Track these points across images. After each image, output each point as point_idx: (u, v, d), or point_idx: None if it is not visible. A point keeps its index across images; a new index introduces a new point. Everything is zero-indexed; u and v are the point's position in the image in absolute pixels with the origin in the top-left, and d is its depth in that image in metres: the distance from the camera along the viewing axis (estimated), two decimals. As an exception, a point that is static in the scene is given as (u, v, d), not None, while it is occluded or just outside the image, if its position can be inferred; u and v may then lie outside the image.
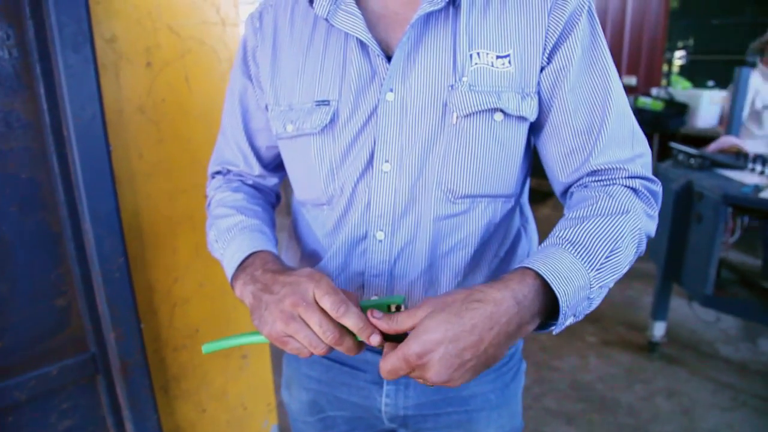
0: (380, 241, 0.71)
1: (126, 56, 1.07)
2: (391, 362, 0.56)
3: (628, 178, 0.68)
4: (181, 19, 1.13)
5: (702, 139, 3.47)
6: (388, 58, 0.67)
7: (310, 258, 0.80)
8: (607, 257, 0.60)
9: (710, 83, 4.35)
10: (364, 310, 0.63)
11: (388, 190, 0.70)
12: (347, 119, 0.69)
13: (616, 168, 0.67)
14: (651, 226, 0.68)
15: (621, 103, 0.68)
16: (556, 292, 0.56)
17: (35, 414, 1.07)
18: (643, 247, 0.67)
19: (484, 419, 0.81)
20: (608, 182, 0.68)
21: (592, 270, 0.59)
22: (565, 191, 0.74)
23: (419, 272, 0.72)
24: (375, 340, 0.59)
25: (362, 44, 0.68)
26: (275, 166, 0.86)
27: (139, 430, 1.15)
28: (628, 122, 0.69)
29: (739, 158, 2.62)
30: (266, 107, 0.77)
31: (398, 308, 0.63)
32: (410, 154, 0.68)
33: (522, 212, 0.80)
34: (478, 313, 0.54)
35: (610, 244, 0.60)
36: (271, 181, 0.87)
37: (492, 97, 0.66)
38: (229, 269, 0.73)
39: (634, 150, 0.69)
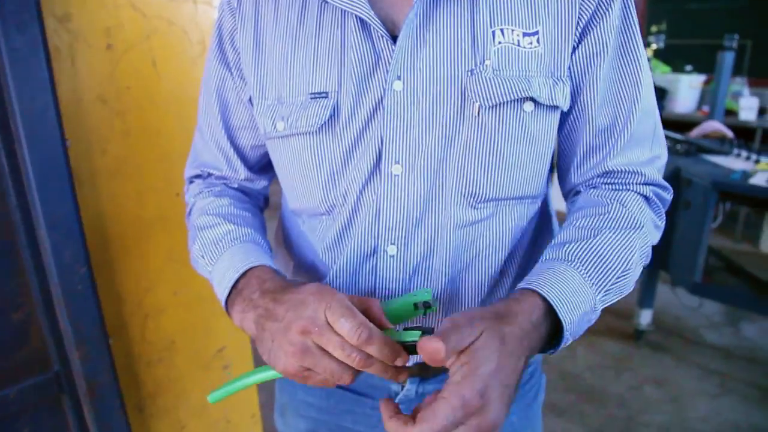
0: (392, 256, 0.62)
1: (83, 37, 0.94)
2: (444, 415, 0.43)
3: (643, 184, 0.63)
4: (146, -5, 1.00)
5: (682, 124, 3.46)
6: (395, 39, 0.57)
7: (307, 273, 0.70)
8: (617, 279, 0.57)
9: (688, 68, 4.35)
10: (389, 315, 0.54)
11: (399, 196, 0.60)
12: (350, 114, 0.59)
13: (633, 172, 0.63)
14: (657, 237, 0.65)
15: (648, 97, 0.63)
16: (563, 321, 0.52)
17: (-8, 441, 0.96)
18: (648, 260, 0.63)
19: None
20: (621, 186, 0.64)
21: (599, 293, 0.56)
22: (572, 188, 0.68)
23: (439, 290, 0.63)
24: (405, 361, 0.51)
25: (363, 23, 0.58)
26: (262, 166, 0.76)
27: (111, 454, 1.05)
28: (651, 120, 0.63)
29: (724, 143, 2.61)
30: (250, 101, 0.66)
31: (426, 305, 0.55)
32: (424, 154, 0.58)
33: (545, 212, 0.72)
34: (513, 337, 0.48)
35: (622, 266, 0.57)
36: (260, 184, 0.77)
37: (522, 83, 0.56)
38: (221, 291, 0.62)
39: (652, 151, 0.64)
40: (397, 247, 0.61)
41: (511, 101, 0.57)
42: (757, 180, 2.10)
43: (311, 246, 0.69)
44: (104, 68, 0.98)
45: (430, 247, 0.62)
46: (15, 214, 0.92)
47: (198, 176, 0.77)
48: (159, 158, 1.08)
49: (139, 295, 1.09)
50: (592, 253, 0.56)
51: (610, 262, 0.56)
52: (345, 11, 0.58)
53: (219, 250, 0.65)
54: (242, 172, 0.74)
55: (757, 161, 2.35)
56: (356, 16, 0.57)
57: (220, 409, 1.29)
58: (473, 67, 0.56)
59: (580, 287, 0.54)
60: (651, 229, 0.62)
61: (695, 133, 2.77)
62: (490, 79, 0.56)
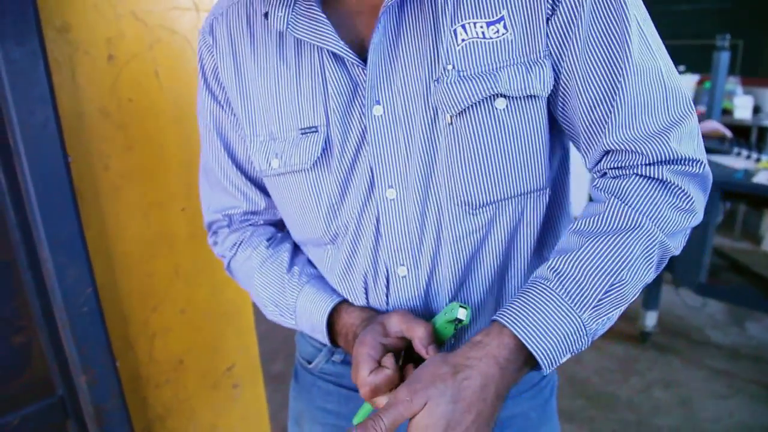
0: (404, 277, 0.62)
1: (83, 48, 0.91)
2: None
3: (650, 164, 0.54)
4: (148, 4, 0.97)
5: (678, 124, 3.46)
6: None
7: None
8: (605, 292, 0.52)
9: (681, 68, 4.38)
10: (438, 334, 0.58)
11: (399, 219, 0.59)
12: (341, 146, 0.58)
13: (633, 151, 0.53)
14: (684, 221, 0.55)
15: (643, 55, 0.53)
16: (533, 352, 0.51)
17: (-5, 472, 0.92)
18: (675, 251, 0.56)
19: None
20: (624, 171, 0.56)
21: (585, 310, 0.52)
22: (593, 177, 0.63)
23: (450, 297, 0.63)
24: None
25: (336, 55, 0.57)
26: None
27: (119, 481, 1.00)
28: (654, 80, 0.53)
29: (724, 143, 2.61)
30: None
31: (457, 321, 0.56)
32: (414, 173, 0.58)
33: (557, 200, 0.67)
34: (471, 390, 0.49)
35: (611, 277, 0.52)
36: (279, 214, 0.75)
37: (486, 81, 0.53)
38: (322, 339, 0.68)
39: (669, 116, 0.53)
40: (407, 268, 0.62)
41: (478, 102, 0.54)
42: (760, 178, 2.10)
43: (321, 273, 0.70)
44: (105, 80, 0.94)
45: (438, 261, 0.61)
46: (15, 233, 0.88)
47: (217, 222, 0.75)
48: (163, 172, 1.04)
49: (146, 315, 1.05)
50: (575, 267, 0.52)
51: (594, 275, 0.51)
52: (320, 48, 0.58)
53: (291, 303, 0.68)
54: (262, 202, 0.72)
55: (758, 160, 2.35)
56: (328, 50, 0.57)
57: (231, 429, 1.25)
58: (439, 75, 0.55)
59: (555, 310, 0.51)
60: (666, 219, 0.53)
61: (694, 132, 2.77)
62: (454, 83, 0.54)
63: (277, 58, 0.60)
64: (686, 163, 0.54)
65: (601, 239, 0.53)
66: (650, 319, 2.54)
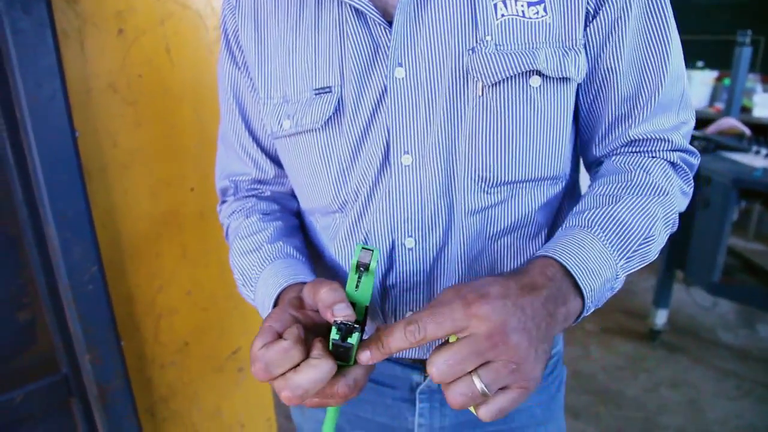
0: (410, 249, 0.60)
1: (92, 21, 0.89)
2: (445, 359, 0.41)
3: (669, 150, 0.60)
4: (160, -23, 0.94)
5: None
6: (392, 24, 0.54)
7: (329, 270, 0.68)
8: (639, 245, 0.54)
9: (699, 64, 4.29)
10: (357, 295, 0.47)
11: (412, 187, 0.58)
12: (354, 107, 0.56)
13: (659, 139, 0.60)
14: (684, 204, 0.62)
15: (678, 60, 0.58)
16: (583, 289, 0.49)
17: (-2, 448, 0.92)
18: (675, 228, 0.60)
19: None
20: (646, 154, 0.61)
21: (621, 259, 0.53)
22: (595, 160, 0.65)
23: (457, 279, 0.61)
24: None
25: (358, 12, 0.55)
26: None
27: (121, 461, 1.00)
28: (680, 84, 0.59)
29: (742, 141, 2.55)
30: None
31: (366, 268, 0.47)
32: (433, 141, 0.56)
33: (571, 193, 0.67)
34: (523, 284, 0.46)
35: (644, 231, 0.54)
36: (290, 184, 0.73)
37: (525, 57, 0.53)
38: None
39: (679, 116, 0.60)
40: (415, 240, 0.59)
41: (514, 76, 0.53)
42: (780, 177, 2.05)
43: (327, 245, 0.67)
44: (115, 54, 0.92)
45: (447, 236, 0.59)
46: (21, 210, 0.87)
47: (227, 189, 0.74)
48: (173, 151, 1.02)
49: (152, 295, 1.03)
50: (612, 218, 0.54)
51: (631, 228, 0.53)
52: (342, 1, 0.56)
53: (254, 278, 0.63)
54: (271, 171, 0.71)
55: (777, 158, 2.29)
56: (350, 5, 0.55)
57: (235, 414, 1.24)
58: (474, 45, 0.53)
59: (600, 254, 0.51)
60: (677, 195, 0.59)
61: (711, 129, 2.71)
62: (491, 54, 0.53)
63: (297, 18, 0.59)
64: (690, 154, 0.62)
65: (633, 198, 0.55)
66: (660, 317, 2.51)
